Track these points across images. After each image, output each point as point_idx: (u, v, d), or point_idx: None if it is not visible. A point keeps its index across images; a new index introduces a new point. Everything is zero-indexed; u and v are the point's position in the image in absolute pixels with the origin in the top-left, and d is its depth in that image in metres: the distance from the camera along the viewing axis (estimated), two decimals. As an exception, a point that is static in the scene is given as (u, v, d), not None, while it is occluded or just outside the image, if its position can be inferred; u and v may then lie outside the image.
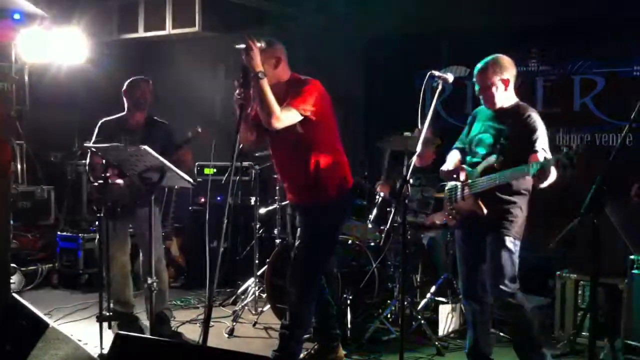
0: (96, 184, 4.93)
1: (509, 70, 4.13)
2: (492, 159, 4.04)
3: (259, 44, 3.98)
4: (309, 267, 4.37)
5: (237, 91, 3.90)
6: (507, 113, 4.14)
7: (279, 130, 4.10)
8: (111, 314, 4.94)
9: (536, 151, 3.94)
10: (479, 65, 4.17)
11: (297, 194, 4.43)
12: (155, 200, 4.36)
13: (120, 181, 5.11)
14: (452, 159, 4.42)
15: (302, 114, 4.10)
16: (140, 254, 5.47)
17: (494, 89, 4.10)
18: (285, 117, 4.05)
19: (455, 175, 4.27)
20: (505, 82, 4.12)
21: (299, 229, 4.46)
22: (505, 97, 4.15)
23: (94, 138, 5.29)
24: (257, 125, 4.24)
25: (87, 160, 5.39)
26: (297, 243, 4.43)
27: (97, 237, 5.52)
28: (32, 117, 7.44)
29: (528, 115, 4.07)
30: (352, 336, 5.16)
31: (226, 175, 5.51)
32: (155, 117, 5.46)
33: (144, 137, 5.04)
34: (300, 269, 4.39)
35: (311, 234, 4.36)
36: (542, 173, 3.77)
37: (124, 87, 5.38)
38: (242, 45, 3.92)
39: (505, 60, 4.16)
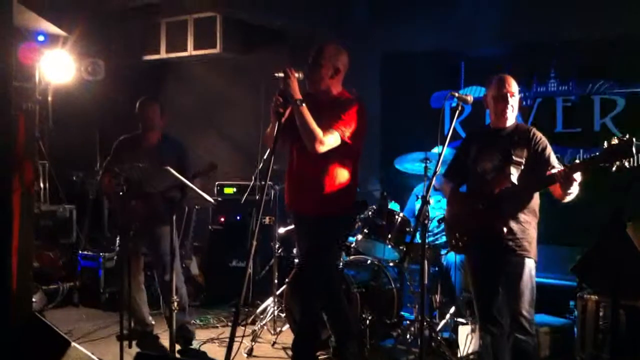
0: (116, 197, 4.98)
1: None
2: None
3: (297, 74, 4.05)
4: (318, 277, 4.37)
5: (277, 102, 3.99)
6: (513, 132, 4.12)
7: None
8: (132, 333, 4.97)
9: (553, 166, 3.94)
10: (502, 76, 4.13)
11: (312, 205, 4.36)
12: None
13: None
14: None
15: (342, 138, 4.16)
16: (155, 274, 5.49)
17: (512, 102, 4.08)
18: (328, 141, 4.11)
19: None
20: (519, 102, 4.14)
21: (303, 241, 4.49)
22: (514, 116, 4.15)
23: (110, 156, 5.39)
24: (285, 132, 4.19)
25: (99, 178, 5.45)
26: (304, 255, 4.49)
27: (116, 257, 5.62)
28: (55, 136, 7.53)
29: (534, 132, 4.08)
30: (370, 356, 5.15)
31: (246, 194, 5.57)
32: (168, 136, 5.51)
33: (158, 156, 5.11)
34: (309, 281, 4.40)
35: (321, 244, 4.36)
36: (567, 179, 3.71)
37: (136, 107, 5.48)
38: (281, 74, 4.00)
39: None
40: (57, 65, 7.12)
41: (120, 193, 4.65)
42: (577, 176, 3.71)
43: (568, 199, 3.84)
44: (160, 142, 5.41)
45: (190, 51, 7.76)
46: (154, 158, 5.08)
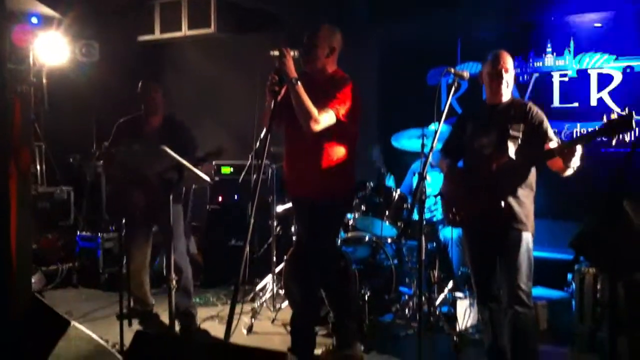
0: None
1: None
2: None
3: (292, 53, 4.03)
4: (316, 261, 4.39)
5: (272, 81, 3.93)
6: (509, 107, 4.11)
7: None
8: (131, 312, 4.99)
9: (551, 139, 3.94)
10: (497, 52, 4.12)
11: (309, 187, 4.36)
12: (177, 198, 4.38)
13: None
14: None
15: (337, 116, 4.14)
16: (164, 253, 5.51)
17: (507, 78, 4.07)
18: (323, 120, 4.10)
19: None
20: (515, 77, 4.13)
21: (301, 224, 4.50)
22: (509, 92, 4.14)
23: (111, 139, 5.36)
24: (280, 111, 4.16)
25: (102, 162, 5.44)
26: (302, 236, 4.50)
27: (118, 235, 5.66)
28: (51, 119, 7.52)
29: (530, 107, 4.07)
30: (369, 332, 5.18)
31: (243, 173, 5.55)
32: (173, 117, 5.47)
33: (161, 139, 5.08)
34: (307, 265, 4.42)
35: (318, 229, 4.36)
36: (570, 152, 3.70)
37: (137, 90, 5.44)
38: (276, 53, 3.98)
39: None
40: (51, 47, 7.09)
41: (122, 176, 4.65)
42: (579, 148, 3.70)
43: (569, 172, 3.82)
44: (163, 125, 5.37)
45: (185, 31, 7.74)
46: (155, 141, 5.06)
